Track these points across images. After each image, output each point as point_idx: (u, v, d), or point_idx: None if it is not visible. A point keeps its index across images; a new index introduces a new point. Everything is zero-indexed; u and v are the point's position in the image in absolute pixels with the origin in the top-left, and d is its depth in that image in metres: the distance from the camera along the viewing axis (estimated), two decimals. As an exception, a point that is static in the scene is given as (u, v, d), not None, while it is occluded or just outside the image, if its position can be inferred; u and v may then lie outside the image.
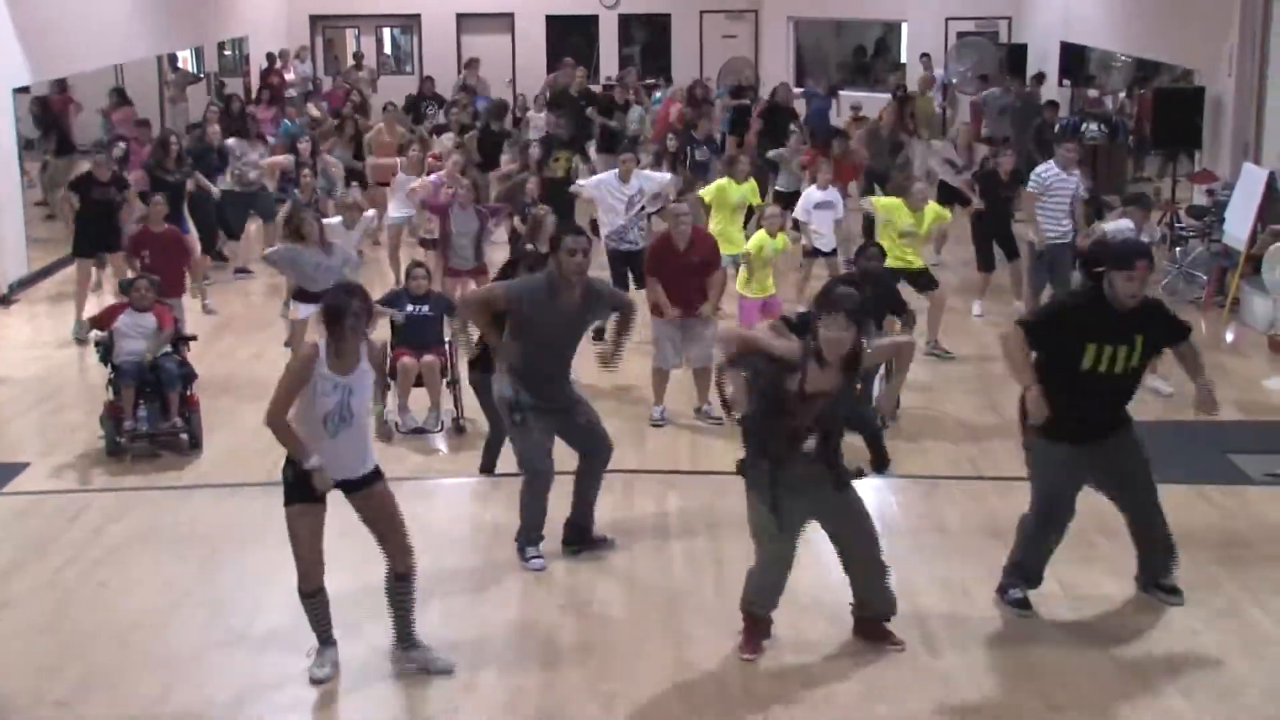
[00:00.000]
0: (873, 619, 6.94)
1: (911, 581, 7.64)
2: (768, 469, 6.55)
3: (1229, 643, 6.94)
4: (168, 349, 10.47)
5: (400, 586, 6.68)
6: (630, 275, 12.77)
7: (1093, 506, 8.75)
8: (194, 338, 11.11)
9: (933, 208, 12.89)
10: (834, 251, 14.09)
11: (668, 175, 14.56)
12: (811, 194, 14.08)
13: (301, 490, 6.47)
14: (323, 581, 6.61)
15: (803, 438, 6.53)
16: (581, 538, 8.10)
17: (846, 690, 6.52)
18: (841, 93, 23.20)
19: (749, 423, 6.68)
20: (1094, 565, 7.82)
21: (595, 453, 8.09)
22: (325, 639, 6.74)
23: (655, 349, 10.96)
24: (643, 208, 13.58)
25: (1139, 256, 6.89)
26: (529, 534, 8.00)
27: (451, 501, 9.37)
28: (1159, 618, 7.20)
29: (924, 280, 12.63)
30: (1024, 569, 7.35)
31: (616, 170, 13.57)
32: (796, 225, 14.24)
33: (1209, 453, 10.02)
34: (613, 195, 13.25)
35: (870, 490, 9.15)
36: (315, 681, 6.64)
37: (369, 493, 6.62)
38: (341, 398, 6.42)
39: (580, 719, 6.37)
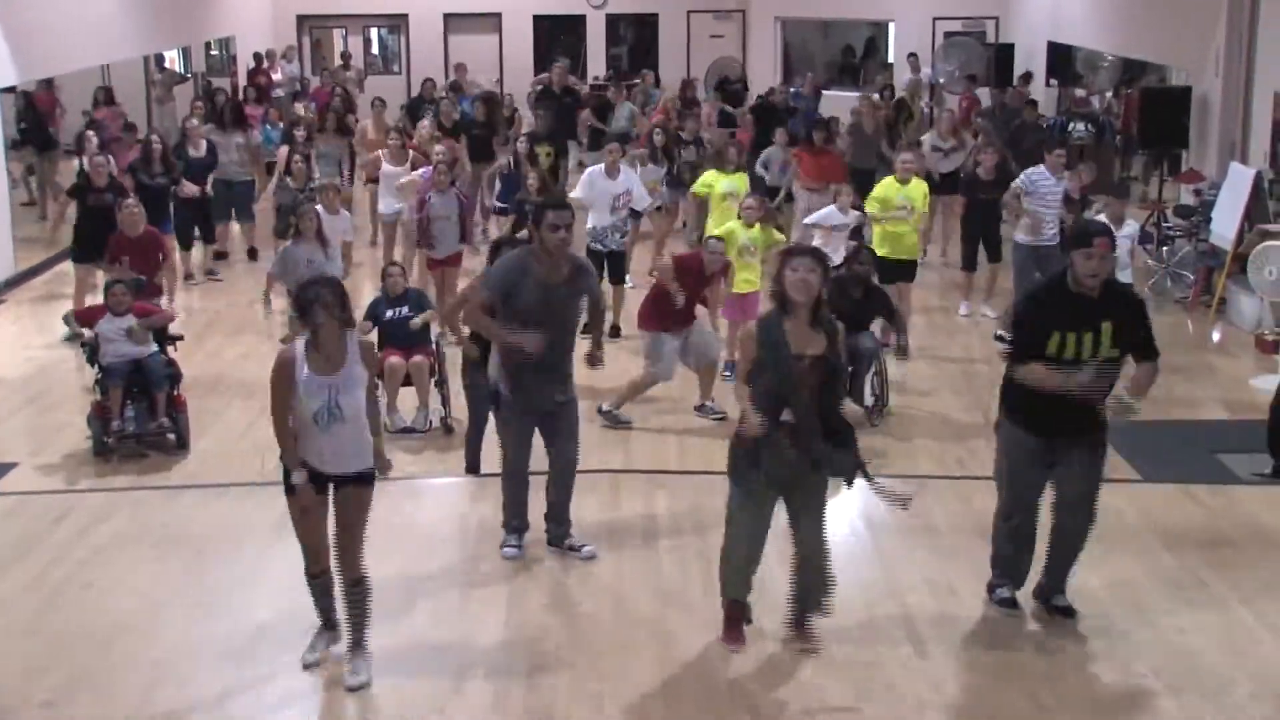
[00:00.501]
0: (800, 614, 6.96)
1: (899, 581, 7.66)
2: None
3: (1216, 642, 6.95)
4: (154, 347, 10.44)
5: (355, 591, 6.65)
6: (605, 275, 12.89)
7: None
8: (180, 337, 11.08)
9: (920, 185, 12.96)
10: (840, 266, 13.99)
11: (654, 169, 14.63)
12: (832, 214, 13.77)
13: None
14: (328, 564, 6.63)
15: (785, 403, 6.47)
16: (558, 540, 8.08)
17: (834, 690, 6.52)
18: (826, 92, 23.26)
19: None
20: (1082, 564, 7.81)
21: (560, 456, 7.98)
22: (326, 622, 6.77)
23: (650, 363, 10.86)
24: (631, 211, 13.61)
25: (1096, 234, 6.77)
26: (508, 523, 8.03)
27: (440, 501, 9.35)
28: (1147, 617, 7.21)
29: (906, 272, 12.68)
30: (1003, 565, 7.35)
31: (604, 165, 13.59)
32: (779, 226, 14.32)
33: (1197, 452, 10.05)
34: (602, 195, 13.28)
35: (856, 491, 9.18)
36: (305, 666, 6.67)
37: (352, 492, 6.56)
38: (328, 397, 6.36)
39: None
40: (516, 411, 7.83)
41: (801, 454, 6.52)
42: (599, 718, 6.33)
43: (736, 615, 6.91)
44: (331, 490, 6.56)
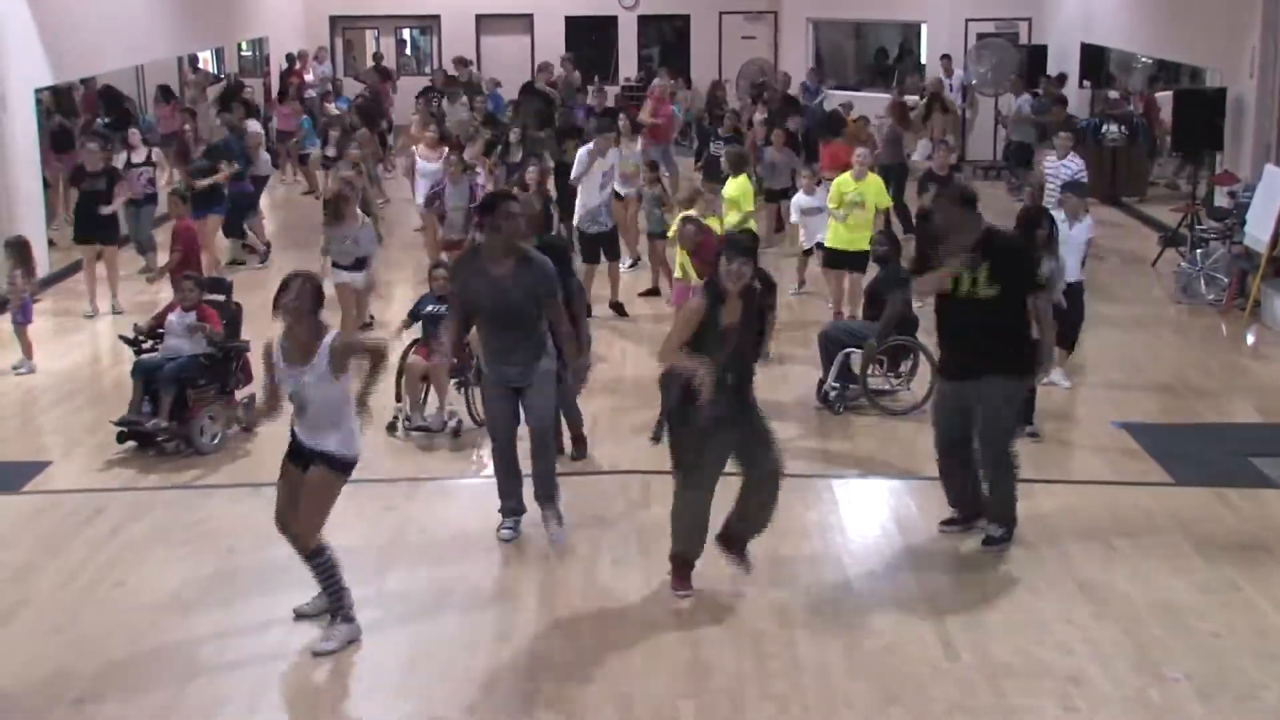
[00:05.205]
0: (740, 535, 7.45)
1: (929, 583, 7.64)
2: (699, 405, 6.92)
3: (1247, 647, 6.91)
4: (194, 349, 10.49)
5: (312, 564, 6.91)
6: (601, 254, 13.77)
7: (1112, 509, 8.75)
8: (213, 341, 11.08)
9: (874, 181, 13.28)
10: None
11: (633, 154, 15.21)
12: (799, 200, 14.16)
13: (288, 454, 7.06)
14: (284, 528, 7.00)
15: (719, 371, 6.95)
16: (540, 504, 8.30)
17: (862, 690, 6.51)
18: (857, 94, 23.31)
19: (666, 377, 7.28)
20: (1113, 568, 7.80)
21: (532, 433, 8.19)
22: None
23: None
24: (614, 192, 14.17)
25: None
26: (502, 504, 8.28)
27: (474, 501, 9.30)
28: (1177, 621, 7.17)
29: (856, 262, 12.91)
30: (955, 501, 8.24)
31: (593, 144, 14.12)
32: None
33: (1230, 456, 9.97)
34: (592, 174, 13.91)
35: (887, 491, 9.16)
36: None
37: (314, 470, 6.87)
38: (296, 384, 6.81)
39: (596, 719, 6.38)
40: (488, 384, 8.18)
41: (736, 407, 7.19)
42: (627, 717, 6.34)
43: (689, 567, 7.44)
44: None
